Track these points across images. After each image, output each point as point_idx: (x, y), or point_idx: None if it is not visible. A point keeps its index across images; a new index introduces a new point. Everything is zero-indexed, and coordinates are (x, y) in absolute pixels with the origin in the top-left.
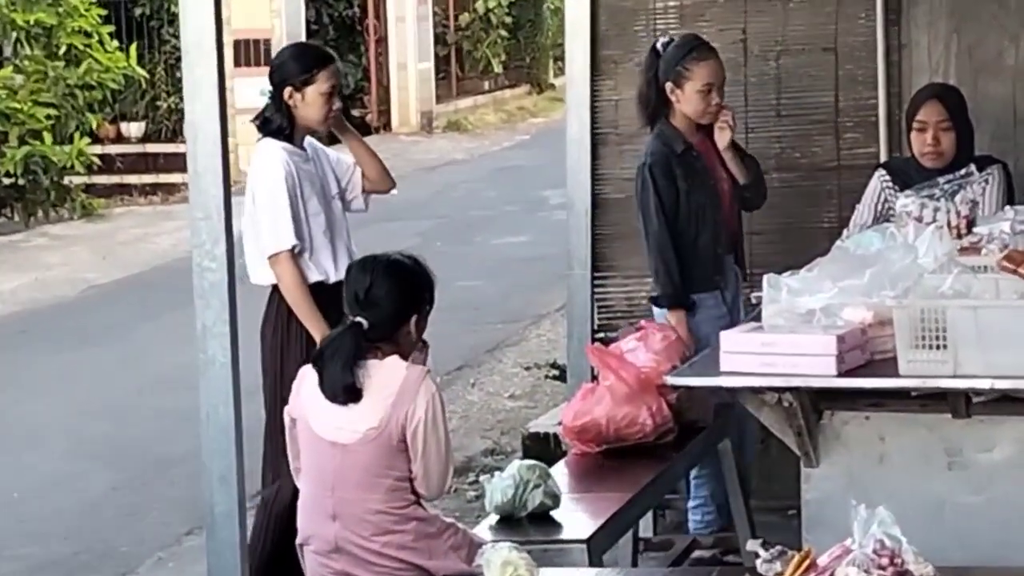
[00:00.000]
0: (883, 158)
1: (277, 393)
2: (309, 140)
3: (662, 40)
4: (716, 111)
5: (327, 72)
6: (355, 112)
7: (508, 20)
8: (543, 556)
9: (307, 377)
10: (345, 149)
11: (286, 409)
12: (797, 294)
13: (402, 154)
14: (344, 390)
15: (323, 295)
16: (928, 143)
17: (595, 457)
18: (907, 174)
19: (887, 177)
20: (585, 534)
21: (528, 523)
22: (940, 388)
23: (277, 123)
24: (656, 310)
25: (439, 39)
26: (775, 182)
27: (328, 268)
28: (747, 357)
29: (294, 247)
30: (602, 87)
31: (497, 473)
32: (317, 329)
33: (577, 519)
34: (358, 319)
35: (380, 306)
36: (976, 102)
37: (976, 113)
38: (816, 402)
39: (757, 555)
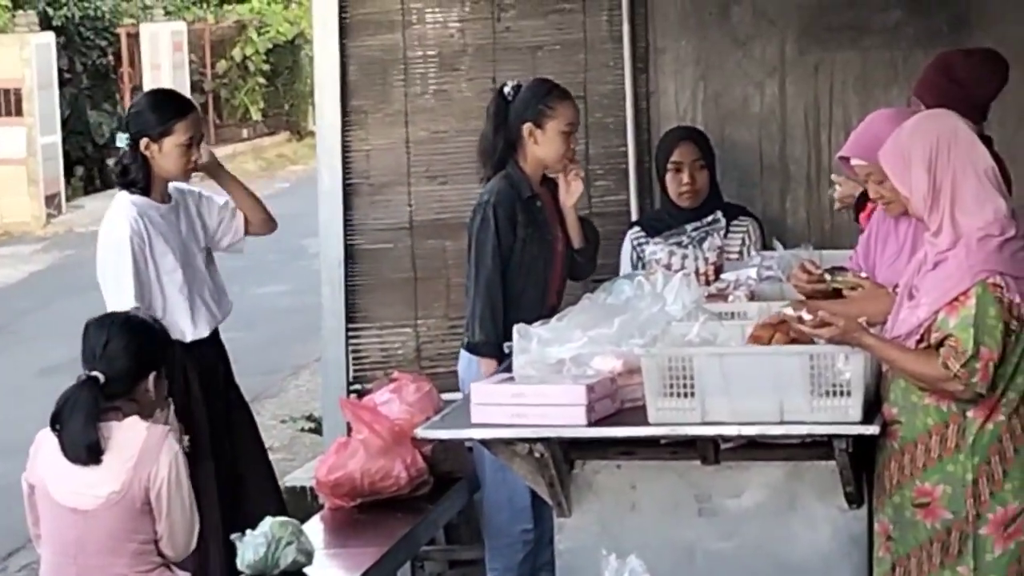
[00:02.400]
0: (634, 204)
1: None
2: (176, 186)
3: (510, 84)
4: (572, 156)
5: (186, 122)
6: (111, 162)
7: (266, 67)
8: None
9: (44, 442)
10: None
11: (23, 476)
12: (547, 344)
13: None
14: (87, 449)
15: (181, 355)
16: (685, 183)
17: (350, 511)
18: (661, 221)
19: (639, 233)
20: None
21: None
22: (688, 435)
23: (132, 175)
24: (464, 357)
25: (196, 87)
26: None
27: (185, 327)
28: (498, 408)
29: (134, 309)
30: (353, 137)
31: (249, 531)
32: None
33: (331, 575)
34: (94, 373)
35: (116, 361)
36: (723, 149)
37: (723, 160)
38: (567, 452)
39: None
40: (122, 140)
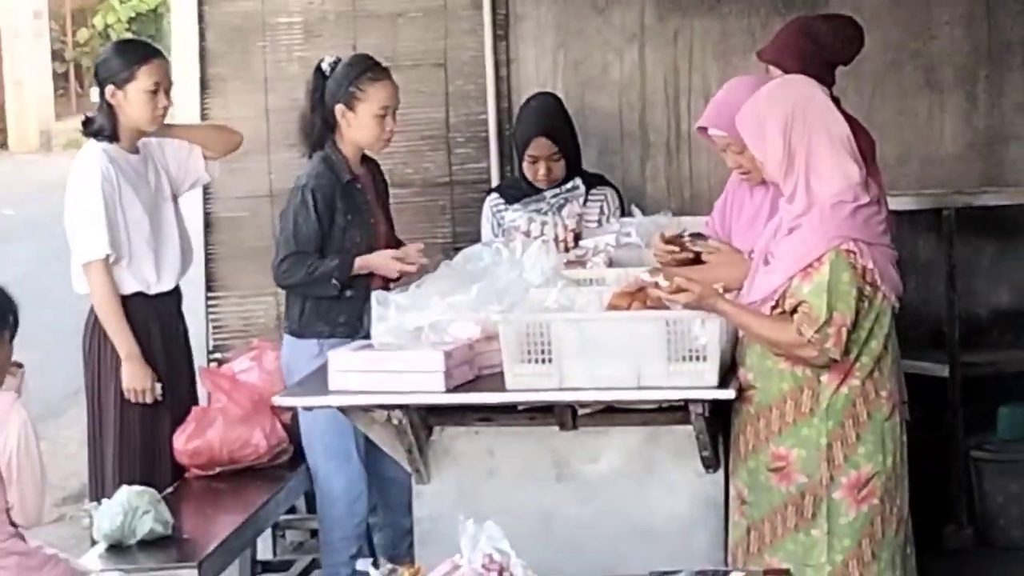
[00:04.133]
0: (495, 172)
1: (94, 409)
2: (145, 139)
3: (328, 60)
4: (389, 138)
5: (150, 67)
6: None
7: (129, 35)
8: None
9: None
10: None
11: None
12: (405, 311)
13: (20, 173)
14: None
15: (143, 306)
16: (541, 173)
17: (209, 480)
18: (519, 189)
19: (498, 200)
20: (197, 558)
21: (139, 550)
22: (546, 401)
23: (99, 124)
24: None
25: (57, 55)
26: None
27: (149, 278)
28: (356, 375)
29: (108, 256)
30: (212, 105)
31: (105, 500)
32: (123, 343)
33: (189, 544)
34: None
35: None
36: (584, 116)
37: (584, 127)
38: (425, 418)
39: (367, 574)
40: (94, 93)
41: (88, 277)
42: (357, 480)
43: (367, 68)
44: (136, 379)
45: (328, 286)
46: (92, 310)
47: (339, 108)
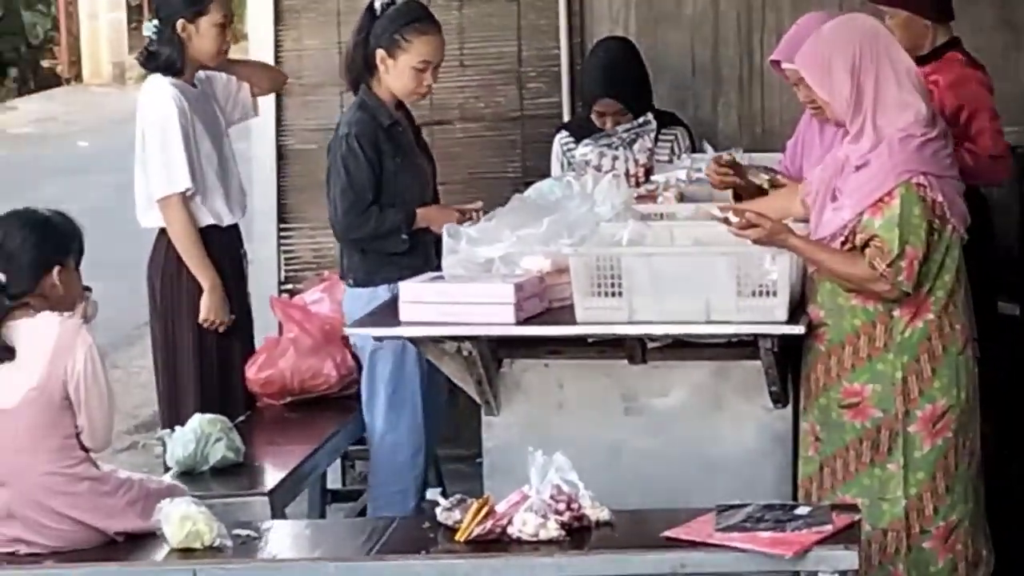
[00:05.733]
0: (566, 107)
1: (168, 342)
2: (199, 74)
3: (381, 0)
4: (426, 92)
5: (219, 1)
6: (45, 63)
7: None
8: (225, 510)
9: None
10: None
11: None
12: (476, 243)
13: (94, 106)
14: None
15: (217, 239)
16: (609, 126)
17: (280, 409)
18: (588, 129)
19: (567, 138)
20: (267, 486)
21: (211, 477)
22: (616, 335)
23: (166, 56)
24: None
25: None
26: (459, 132)
27: (221, 211)
28: (427, 307)
29: (187, 190)
30: (286, 37)
31: (178, 427)
32: (206, 277)
33: (260, 472)
34: None
35: (15, 258)
36: (656, 52)
37: (655, 63)
38: (496, 350)
39: (437, 503)
40: (149, 28)
41: (166, 211)
42: (420, 431)
43: (416, 18)
44: (217, 310)
45: (397, 240)
46: (160, 244)
47: (380, 53)
